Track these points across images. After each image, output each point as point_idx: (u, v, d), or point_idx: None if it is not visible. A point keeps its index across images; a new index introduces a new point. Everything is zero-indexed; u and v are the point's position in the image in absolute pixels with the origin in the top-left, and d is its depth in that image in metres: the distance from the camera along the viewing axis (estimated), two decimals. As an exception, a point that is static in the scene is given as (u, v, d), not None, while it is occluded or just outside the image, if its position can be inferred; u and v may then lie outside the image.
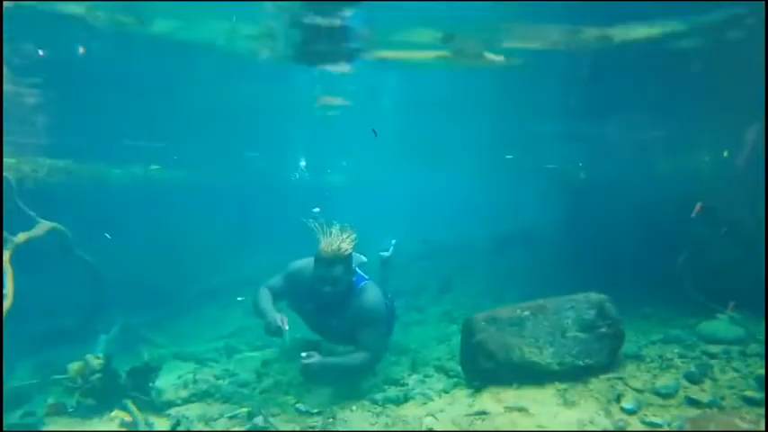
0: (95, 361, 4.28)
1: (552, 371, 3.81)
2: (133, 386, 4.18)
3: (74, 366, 4.34)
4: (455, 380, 4.80)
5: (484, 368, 4.12)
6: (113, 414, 3.94)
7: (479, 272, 9.87)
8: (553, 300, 4.24)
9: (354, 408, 4.15)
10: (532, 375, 3.87)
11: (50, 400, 4.21)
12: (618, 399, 3.42)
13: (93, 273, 5.67)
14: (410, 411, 3.94)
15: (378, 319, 4.41)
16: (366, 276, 4.70)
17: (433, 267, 10.72)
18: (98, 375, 4.21)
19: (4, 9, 4.30)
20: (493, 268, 9.78)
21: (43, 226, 4.68)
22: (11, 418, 3.96)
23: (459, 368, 4.80)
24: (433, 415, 3.71)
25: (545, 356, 3.88)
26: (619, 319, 3.97)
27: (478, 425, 3.38)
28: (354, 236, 4.30)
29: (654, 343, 4.47)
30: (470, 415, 3.55)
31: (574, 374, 3.78)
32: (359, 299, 4.35)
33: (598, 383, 3.67)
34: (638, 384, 3.59)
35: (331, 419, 3.91)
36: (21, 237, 4.28)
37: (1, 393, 1.88)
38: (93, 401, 4.06)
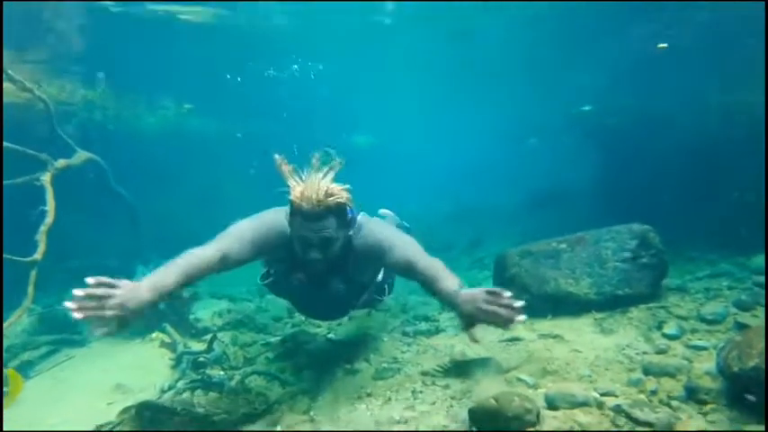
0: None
1: (589, 300, 3.67)
2: (172, 312, 4.30)
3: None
4: (486, 316, 4.76)
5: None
6: (153, 336, 4.08)
7: (511, 230, 9.69)
8: (592, 232, 4.06)
9: (386, 339, 4.15)
10: (568, 306, 3.75)
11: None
12: (659, 326, 3.26)
13: (130, 210, 5.78)
14: (441, 341, 3.90)
15: (401, 236, 2.91)
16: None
17: (464, 227, 10.61)
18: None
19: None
20: (525, 226, 9.58)
21: (81, 155, 4.77)
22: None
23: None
24: (464, 342, 3.66)
25: (582, 287, 3.74)
26: (663, 249, 3.78)
27: (512, 350, 3.32)
28: (340, 166, 2.58)
29: (700, 279, 4.24)
30: (503, 341, 3.49)
31: (612, 304, 3.62)
32: (363, 241, 2.82)
33: (638, 312, 3.52)
34: (682, 312, 3.41)
35: (363, 347, 3.93)
36: (60, 162, 4.37)
37: (1, 391, 1.95)
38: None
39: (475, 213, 11.72)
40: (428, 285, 2.68)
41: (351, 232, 2.72)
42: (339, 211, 2.52)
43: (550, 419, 2.22)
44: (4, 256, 3.53)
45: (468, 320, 2.55)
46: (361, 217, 2.94)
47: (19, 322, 3.75)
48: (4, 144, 3.75)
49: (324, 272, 2.72)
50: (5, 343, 3.81)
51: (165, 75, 7.65)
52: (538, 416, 2.20)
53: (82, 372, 3.75)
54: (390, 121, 17.09)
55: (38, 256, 3.74)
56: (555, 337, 3.39)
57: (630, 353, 2.96)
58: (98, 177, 5.21)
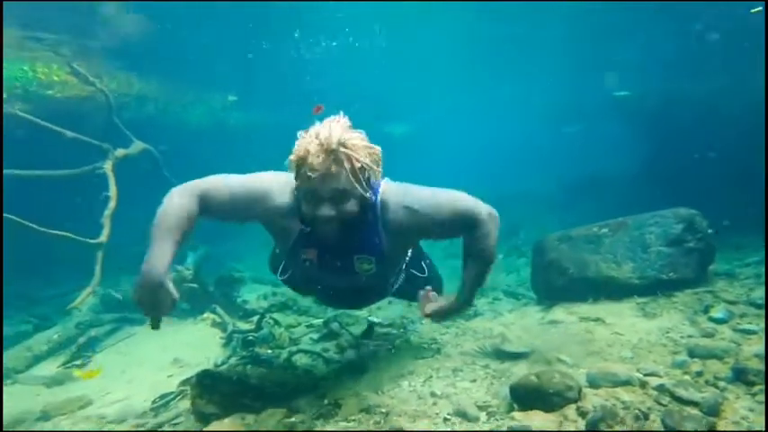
0: (186, 272, 4.65)
1: (631, 285, 3.61)
2: (220, 294, 4.52)
3: (169, 276, 4.77)
4: (525, 301, 4.75)
5: (556, 285, 4.01)
6: (204, 316, 4.30)
7: (550, 218, 9.53)
8: (634, 217, 3.99)
9: (424, 321, 4.22)
10: (609, 290, 3.70)
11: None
12: (706, 310, 3.18)
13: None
14: (480, 324, 3.93)
15: (443, 192, 2.26)
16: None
17: (501, 215, 10.50)
18: (188, 284, 4.59)
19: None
20: (564, 213, 9.41)
21: (137, 145, 5.05)
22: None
23: (530, 293, 4.73)
24: (503, 324, 3.69)
25: (624, 271, 3.69)
26: (710, 234, 3.68)
27: (552, 332, 3.32)
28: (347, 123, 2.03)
29: (749, 265, 4.10)
30: (543, 324, 3.50)
31: (656, 288, 3.55)
32: (389, 213, 2.19)
33: (683, 297, 3.44)
34: (730, 297, 3.31)
35: (402, 330, 4.01)
36: (119, 152, 4.64)
37: (1, 391, 1.95)
38: (188, 305, 4.45)
39: (512, 200, 11.59)
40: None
41: (369, 194, 2.03)
42: (354, 164, 1.91)
43: (592, 396, 2.23)
44: (72, 236, 3.78)
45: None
46: (386, 183, 2.25)
47: (86, 302, 4.04)
48: (71, 134, 4.02)
49: (340, 237, 2.06)
50: (75, 320, 4.11)
51: (212, 65, 7.93)
52: (579, 392, 2.22)
53: (142, 348, 4.01)
54: (426, 108, 16.99)
55: (103, 238, 4.00)
56: (596, 320, 3.37)
57: (675, 336, 2.92)
58: (152, 167, 5.48)
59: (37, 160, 4.45)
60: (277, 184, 2.18)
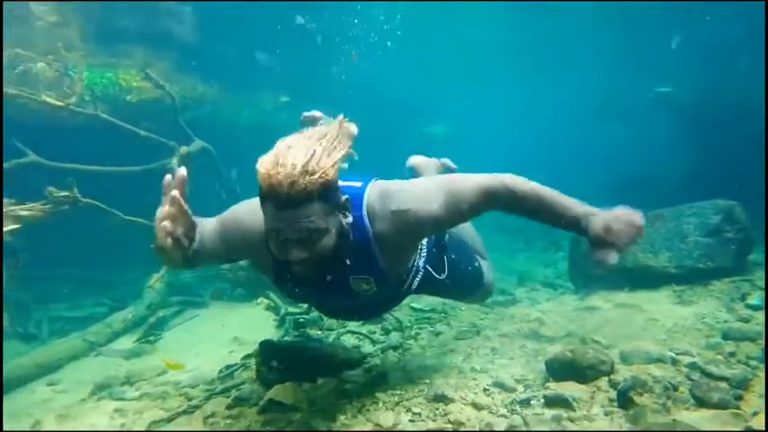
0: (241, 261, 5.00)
1: (668, 274, 3.66)
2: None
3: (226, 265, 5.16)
4: (562, 291, 4.84)
5: (593, 275, 4.09)
6: (259, 300, 4.63)
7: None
8: (672, 208, 4.02)
9: (464, 308, 4.38)
10: (646, 279, 3.75)
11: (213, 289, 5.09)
12: (743, 297, 3.20)
13: (235, 195, 6.47)
14: (518, 311, 4.07)
15: (432, 183, 1.95)
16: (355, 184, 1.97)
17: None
18: (242, 272, 4.95)
19: None
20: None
21: (197, 144, 5.47)
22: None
23: (568, 284, 4.82)
24: (540, 311, 3.82)
25: (661, 260, 3.74)
26: (749, 225, 3.68)
27: (587, 317, 3.43)
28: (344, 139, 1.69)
29: (791, 256, 4.05)
30: (578, 310, 3.60)
31: (693, 277, 3.58)
32: (380, 224, 1.86)
33: (720, 285, 3.46)
34: (767, 285, 3.34)
35: (443, 315, 4.20)
36: (183, 149, 5.05)
37: (1, 391, 2.03)
38: (243, 291, 4.80)
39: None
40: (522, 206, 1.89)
41: (348, 219, 1.76)
42: (325, 193, 1.58)
43: (624, 371, 2.35)
44: (147, 222, 4.16)
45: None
46: (374, 188, 1.93)
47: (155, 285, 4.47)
48: (144, 133, 4.43)
49: (317, 275, 1.73)
50: (146, 302, 4.53)
51: (266, 68, 8.35)
52: (612, 367, 2.34)
53: (206, 327, 4.38)
54: (466, 108, 16.99)
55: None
56: (632, 306, 3.44)
57: (710, 321, 2.97)
58: (210, 163, 5.90)
59: (109, 158, 4.90)
60: (248, 211, 1.87)
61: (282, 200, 1.53)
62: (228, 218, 1.95)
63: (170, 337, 4.14)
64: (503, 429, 1.97)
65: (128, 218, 3.74)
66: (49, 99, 3.65)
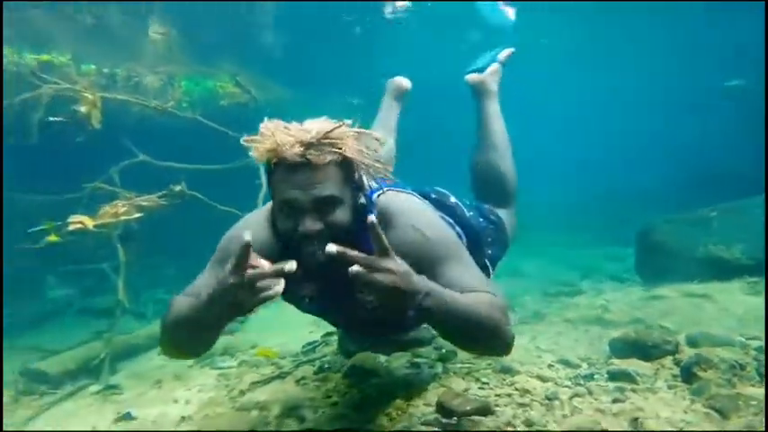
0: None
1: (741, 265, 3.58)
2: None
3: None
4: (629, 283, 4.79)
5: (662, 266, 4.06)
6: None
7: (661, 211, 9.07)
8: (744, 200, 3.92)
9: (528, 297, 4.50)
10: (718, 270, 3.68)
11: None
12: (822, 288, 3.12)
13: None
14: (582, 300, 4.13)
15: (445, 242, 1.67)
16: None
17: (611, 208, 10.17)
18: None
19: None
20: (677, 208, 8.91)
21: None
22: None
23: (635, 277, 4.76)
24: (605, 299, 3.86)
25: (733, 252, 3.66)
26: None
27: (655, 305, 3.44)
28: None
29: None
30: (645, 299, 3.62)
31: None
32: (392, 230, 1.60)
33: (798, 276, 3.37)
34: None
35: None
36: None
37: (1, 393, 2.04)
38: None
39: (622, 194, 11.16)
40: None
41: (362, 199, 1.57)
42: (342, 162, 1.45)
43: (689, 351, 2.41)
44: (238, 212, 4.61)
45: None
46: (392, 193, 1.75)
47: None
48: (233, 134, 4.85)
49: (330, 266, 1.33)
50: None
51: (334, 68, 8.79)
52: (677, 347, 2.41)
53: (284, 312, 4.76)
54: (533, 102, 16.68)
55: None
56: (702, 296, 3.41)
57: (784, 311, 2.92)
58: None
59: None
60: (253, 220, 1.74)
61: (297, 160, 1.36)
62: (222, 246, 1.73)
63: (253, 321, 4.57)
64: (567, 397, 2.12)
65: (224, 208, 4.17)
66: (157, 106, 4.19)
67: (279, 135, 1.37)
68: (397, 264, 1.26)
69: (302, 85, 8.10)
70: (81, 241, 3.40)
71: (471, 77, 2.91)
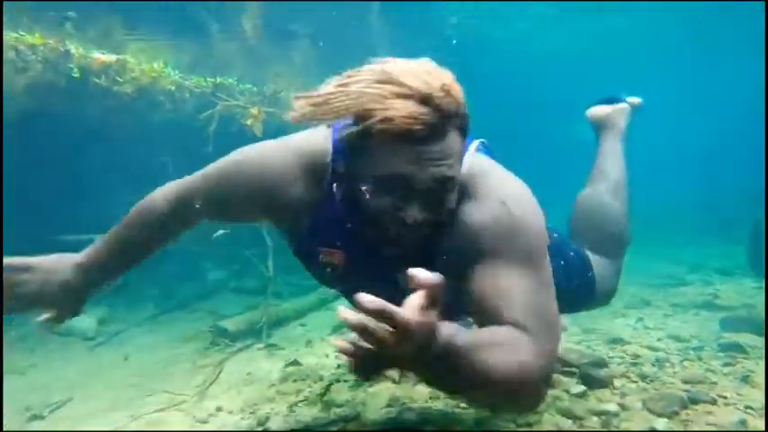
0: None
1: None
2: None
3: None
4: (739, 276, 4.64)
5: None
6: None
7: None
8: None
9: (632, 288, 4.54)
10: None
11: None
12: None
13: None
14: (689, 290, 4.12)
15: (534, 239, 1.10)
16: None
17: (713, 211, 9.54)
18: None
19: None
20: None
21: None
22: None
23: (747, 273, 4.60)
24: (715, 288, 3.85)
25: None
26: None
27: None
28: None
29: None
30: (756, 288, 3.59)
31: None
32: (471, 202, 1.12)
33: None
34: None
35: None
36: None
37: (1, 395, 2.02)
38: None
39: (725, 193, 10.39)
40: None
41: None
42: (466, 125, 1.05)
43: (804, 329, 2.48)
44: None
45: None
46: (473, 155, 1.23)
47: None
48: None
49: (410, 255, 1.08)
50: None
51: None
52: (790, 324, 2.50)
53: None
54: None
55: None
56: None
57: None
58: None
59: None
60: (277, 156, 1.23)
61: (422, 126, 0.92)
62: (225, 172, 1.28)
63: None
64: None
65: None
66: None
67: (395, 102, 0.91)
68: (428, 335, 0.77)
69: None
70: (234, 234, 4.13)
71: (594, 111, 2.36)
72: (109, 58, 3.70)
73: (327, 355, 3.19)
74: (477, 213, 1.11)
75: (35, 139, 3.63)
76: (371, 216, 1.04)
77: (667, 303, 3.58)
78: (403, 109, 0.92)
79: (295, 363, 2.95)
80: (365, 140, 0.97)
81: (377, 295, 0.70)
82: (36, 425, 2.22)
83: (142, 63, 4.00)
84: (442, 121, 0.95)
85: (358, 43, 6.32)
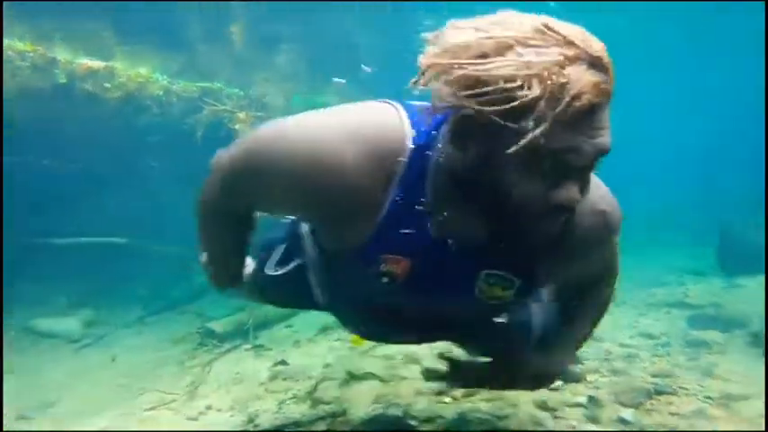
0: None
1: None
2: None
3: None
4: (709, 276, 4.82)
5: (742, 259, 4.15)
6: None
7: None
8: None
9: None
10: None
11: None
12: None
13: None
14: (662, 290, 4.27)
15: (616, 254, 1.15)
16: None
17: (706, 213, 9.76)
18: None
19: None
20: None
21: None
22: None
23: (717, 272, 4.78)
24: (686, 288, 4.01)
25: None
26: None
27: (735, 292, 3.58)
28: None
29: None
30: (726, 287, 3.75)
31: None
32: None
33: None
34: None
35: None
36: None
37: (1, 395, 2.01)
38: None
39: (706, 196, 10.68)
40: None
41: None
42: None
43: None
44: None
45: None
46: None
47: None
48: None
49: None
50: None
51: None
52: (756, 323, 2.64)
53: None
54: (632, 100, 16.08)
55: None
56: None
57: None
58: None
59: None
60: (348, 141, 0.89)
61: (594, 94, 0.74)
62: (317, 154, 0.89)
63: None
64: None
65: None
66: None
67: (578, 71, 0.73)
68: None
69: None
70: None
71: None
72: (96, 64, 3.73)
73: (316, 356, 3.23)
74: (597, 222, 0.99)
75: (22, 142, 3.62)
76: (516, 205, 0.82)
77: (642, 303, 3.72)
78: (589, 81, 0.73)
79: (283, 362, 3.00)
80: (516, 114, 0.72)
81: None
82: (24, 425, 2.24)
83: (129, 70, 4.03)
84: (608, 85, 0.77)
85: (342, 44, 6.35)
